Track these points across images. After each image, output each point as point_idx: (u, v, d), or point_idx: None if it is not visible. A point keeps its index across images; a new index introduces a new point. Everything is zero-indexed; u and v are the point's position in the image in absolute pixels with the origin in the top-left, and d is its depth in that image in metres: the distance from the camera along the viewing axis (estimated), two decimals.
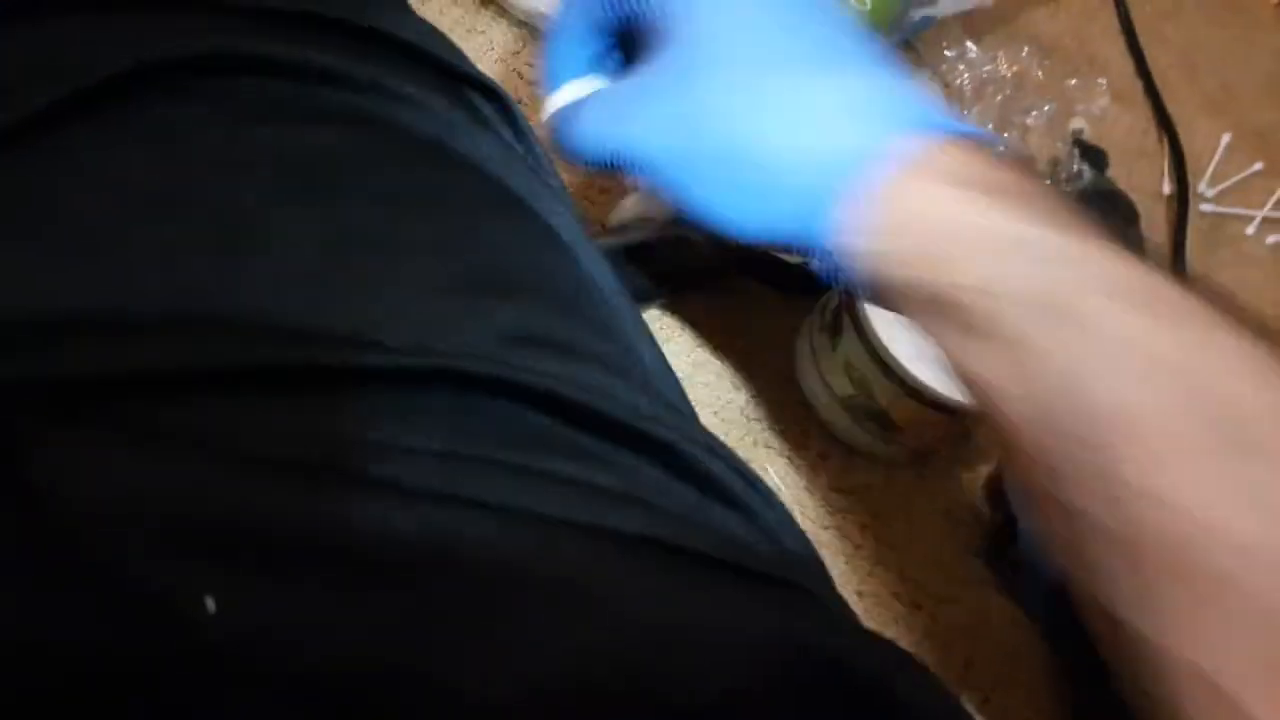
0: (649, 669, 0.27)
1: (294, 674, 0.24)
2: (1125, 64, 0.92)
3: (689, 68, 0.31)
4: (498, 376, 0.31)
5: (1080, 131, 0.79)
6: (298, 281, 0.31)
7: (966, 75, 0.77)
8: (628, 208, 0.60)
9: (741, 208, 0.32)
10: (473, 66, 0.40)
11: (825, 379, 0.58)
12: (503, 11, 0.66)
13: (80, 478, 0.25)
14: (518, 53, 0.65)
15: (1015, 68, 0.78)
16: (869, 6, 0.65)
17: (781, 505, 0.39)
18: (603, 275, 0.40)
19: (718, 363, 0.59)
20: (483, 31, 0.66)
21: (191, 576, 0.24)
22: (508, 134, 0.41)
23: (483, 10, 0.66)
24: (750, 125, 0.31)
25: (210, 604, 0.23)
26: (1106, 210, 0.73)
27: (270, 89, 0.34)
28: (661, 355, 0.43)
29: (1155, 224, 0.82)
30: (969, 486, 0.61)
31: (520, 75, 0.65)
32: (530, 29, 0.66)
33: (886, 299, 0.32)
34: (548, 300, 0.36)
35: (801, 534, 0.40)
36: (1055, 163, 0.76)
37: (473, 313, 0.33)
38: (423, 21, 0.40)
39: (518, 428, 0.31)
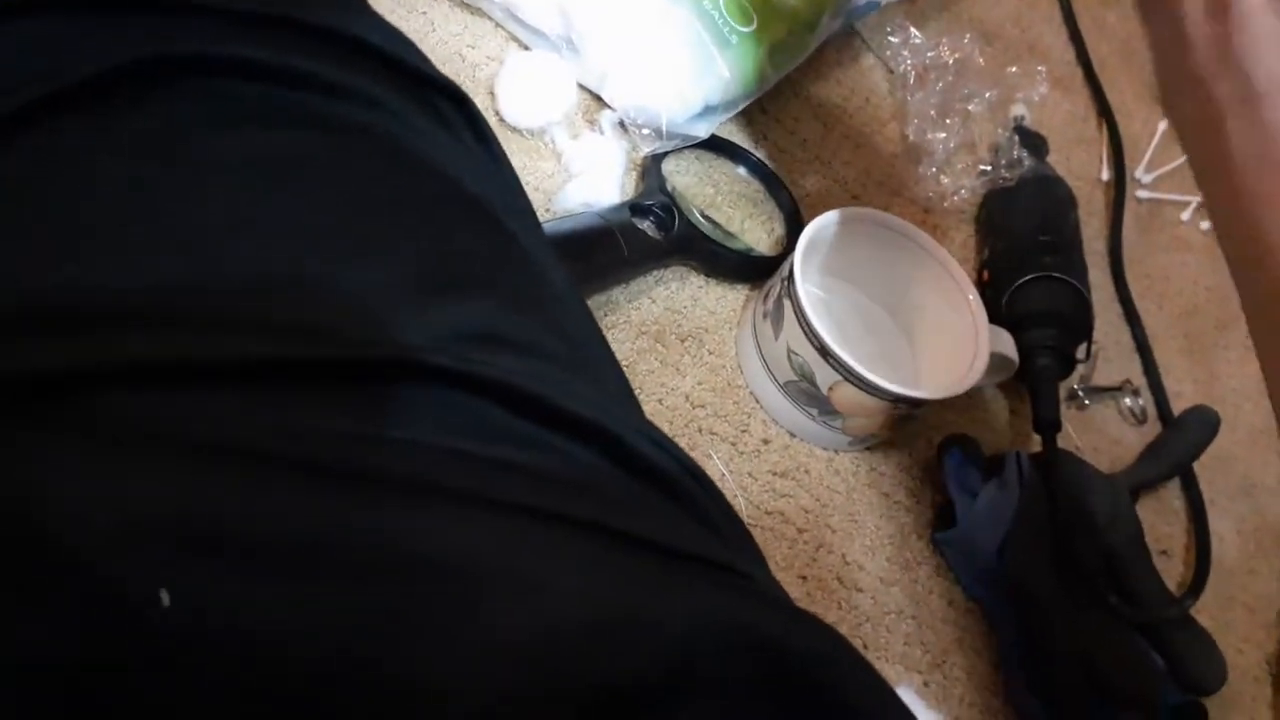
0: (597, 652, 0.28)
1: (250, 669, 0.24)
2: (1066, 51, 0.94)
3: None
4: (455, 369, 0.31)
5: (1021, 118, 0.80)
6: (262, 278, 0.31)
7: (910, 61, 0.77)
8: (571, 194, 0.60)
9: None
10: (436, 70, 0.41)
11: (767, 366, 0.58)
12: None
13: (39, 474, 0.25)
14: (459, 34, 0.65)
15: (958, 54, 0.78)
16: None
17: (720, 493, 0.41)
18: (555, 272, 0.41)
19: (661, 350, 0.59)
20: (424, 12, 0.65)
21: (147, 570, 0.24)
22: (469, 135, 0.42)
23: None
24: None
25: (165, 597, 0.23)
26: (1046, 195, 0.74)
27: (240, 91, 0.35)
28: (608, 347, 0.44)
29: (1094, 209, 0.83)
30: (909, 471, 0.62)
31: (462, 57, 0.64)
32: (471, 10, 0.65)
33: None
34: (504, 298, 0.37)
35: (740, 521, 0.41)
36: (996, 148, 0.77)
37: (432, 310, 0.34)
38: (388, 25, 0.41)
39: (474, 419, 0.32)
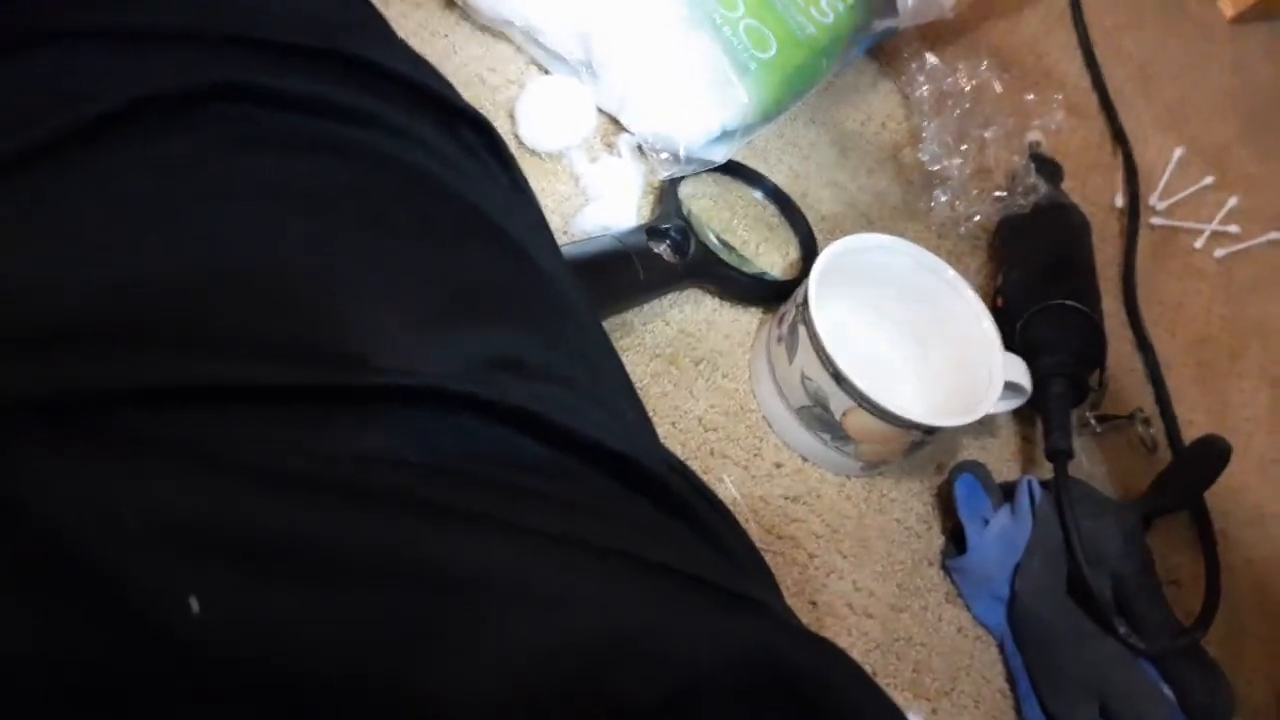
0: (611, 670, 0.28)
1: (271, 677, 0.25)
2: (1082, 78, 0.94)
3: None
4: (476, 395, 0.32)
5: (1037, 144, 0.80)
6: (288, 303, 0.32)
7: (926, 88, 0.78)
8: (589, 217, 0.61)
9: None
10: (460, 98, 0.42)
11: (781, 390, 0.58)
12: (466, 16, 0.66)
13: (64, 485, 0.25)
14: (480, 57, 0.65)
15: (974, 81, 0.79)
16: (831, 19, 0.66)
17: (734, 519, 0.41)
18: (576, 298, 0.42)
19: (675, 373, 0.59)
20: (446, 35, 0.65)
21: (176, 578, 0.24)
22: (492, 163, 0.43)
23: (447, 14, 0.66)
24: None
25: (194, 604, 0.24)
26: (1060, 222, 0.75)
27: (269, 119, 0.35)
28: (624, 371, 0.44)
29: (1108, 236, 0.83)
30: (921, 497, 0.62)
31: (483, 80, 0.65)
32: (493, 33, 0.66)
33: None
34: (525, 324, 0.38)
35: (752, 545, 0.42)
36: (1012, 175, 0.77)
37: (454, 336, 0.34)
38: (414, 52, 0.42)
39: (494, 445, 0.33)
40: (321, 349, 0.31)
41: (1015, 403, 0.63)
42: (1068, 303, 0.67)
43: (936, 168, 0.75)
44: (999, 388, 0.59)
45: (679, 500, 0.37)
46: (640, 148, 0.63)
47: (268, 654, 0.25)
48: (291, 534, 0.27)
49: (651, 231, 0.60)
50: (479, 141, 0.42)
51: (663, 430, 0.57)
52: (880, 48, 0.79)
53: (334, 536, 0.27)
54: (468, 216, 0.39)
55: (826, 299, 0.56)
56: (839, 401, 0.55)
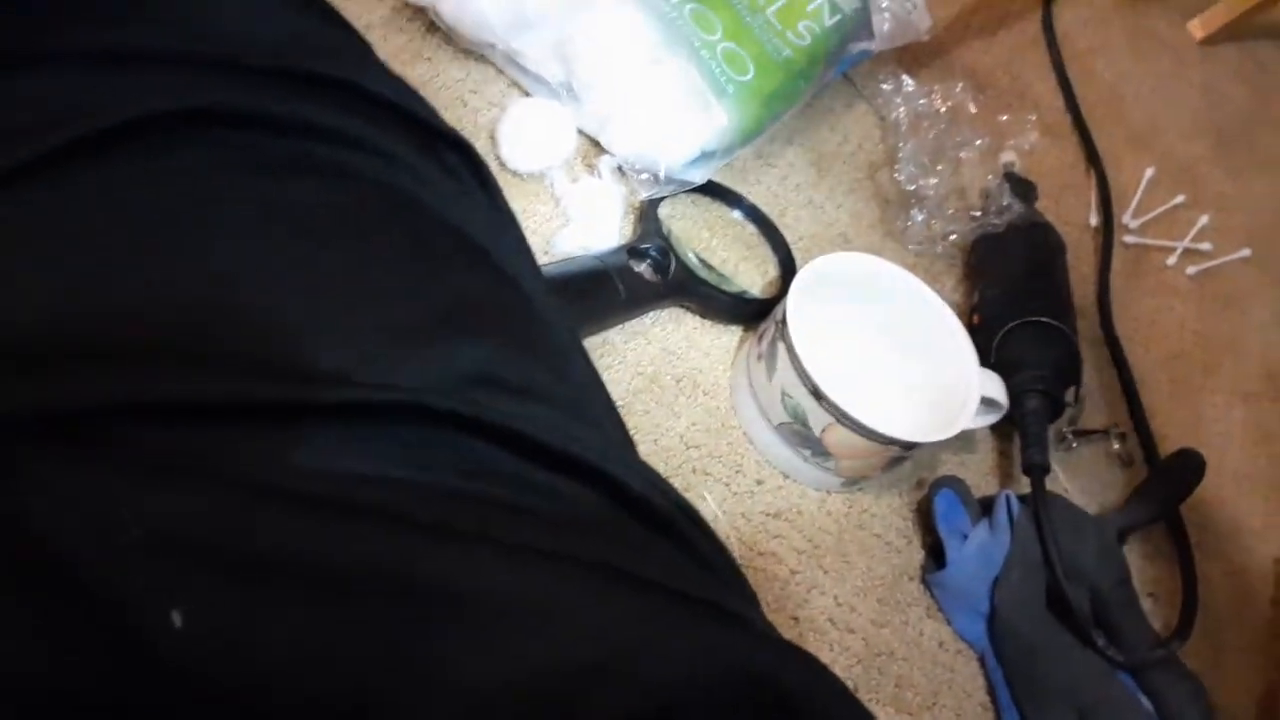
0: (593, 689, 0.28)
1: (252, 692, 0.25)
2: (1055, 100, 0.96)
3: None
4: (458, 412, 0.32)
5: (1011, 165, 0.81)
6: (273, 322, 0.33)
7: (903, 109, 0.79)
8: (570, 237, 0.61)
9: None
10: (442, 120, 0.42)
11: (761, 407, 0.59)
12: (448, 40, 0.67)
13: (62, 498, 0.25)
14: (462, 79, 0.66)
15: (949, 102, 0.80)
16: (808, 42, 0.67)
17: (714, 534, 0.42)
18: (557, 318, 0.42)
19: (656, 391, 0.60)
20: (428, 58, 0.66)
21: (166, 592, 0.25)
22: (474, 186, 0.44)
23: (429, 38, 0.67)
24: None
25: (177, 619, 0.24)
26: (1035, 241, 0.76)
27: (255, 141, 0.36)
28: (604, 389, 0.45)
29: (1082, 254, 0.85)
30: (900, 512, 0.63)
31: (464, 103, 0.65)
32: (474, 57, 0.67)
33: None
34: (505, 342, 0.38)
35: (733, 560, 0.42)
36: (987, 194, 0.79)
37: (436, 354, 0.35)
38: (397, 77, 0.43)
39: (478, 461, 0.33)
40: (303, 366, 0.32)
41: (992, 418, 0.64)
42: (1042, 319, 0.68)
43: (913, 187, 0.76)
44: (976, 404, 0.59)
45: (661, 516, 0.37)
46: (620, 169, 0.64)
47: (255, 670, 0.25)
48: (282, 550, 0.27)
49: (632, 251, 0.60)
50: (460, 163, 0.43)
51: (645, 447, 0.57)
52: (857, 70, 0.81)
53: (324, 553, 0.27)
54: (449, 237, 0.40)
55: (805, 317, 0.56)
56: (818, 418, 0.56)
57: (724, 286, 0.64)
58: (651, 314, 0.62)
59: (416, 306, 0.36)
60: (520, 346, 0.39)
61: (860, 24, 0.71)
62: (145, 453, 0.28)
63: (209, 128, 0.35)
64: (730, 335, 0.64)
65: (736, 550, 0.57)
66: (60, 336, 0.29)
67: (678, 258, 0.62)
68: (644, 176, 0.63)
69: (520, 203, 0.62)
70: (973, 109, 0.81)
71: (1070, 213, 0.87)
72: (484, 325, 0.38)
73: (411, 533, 0.29)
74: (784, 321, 0.56)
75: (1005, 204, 0.76)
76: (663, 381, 0.60)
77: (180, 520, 0.26)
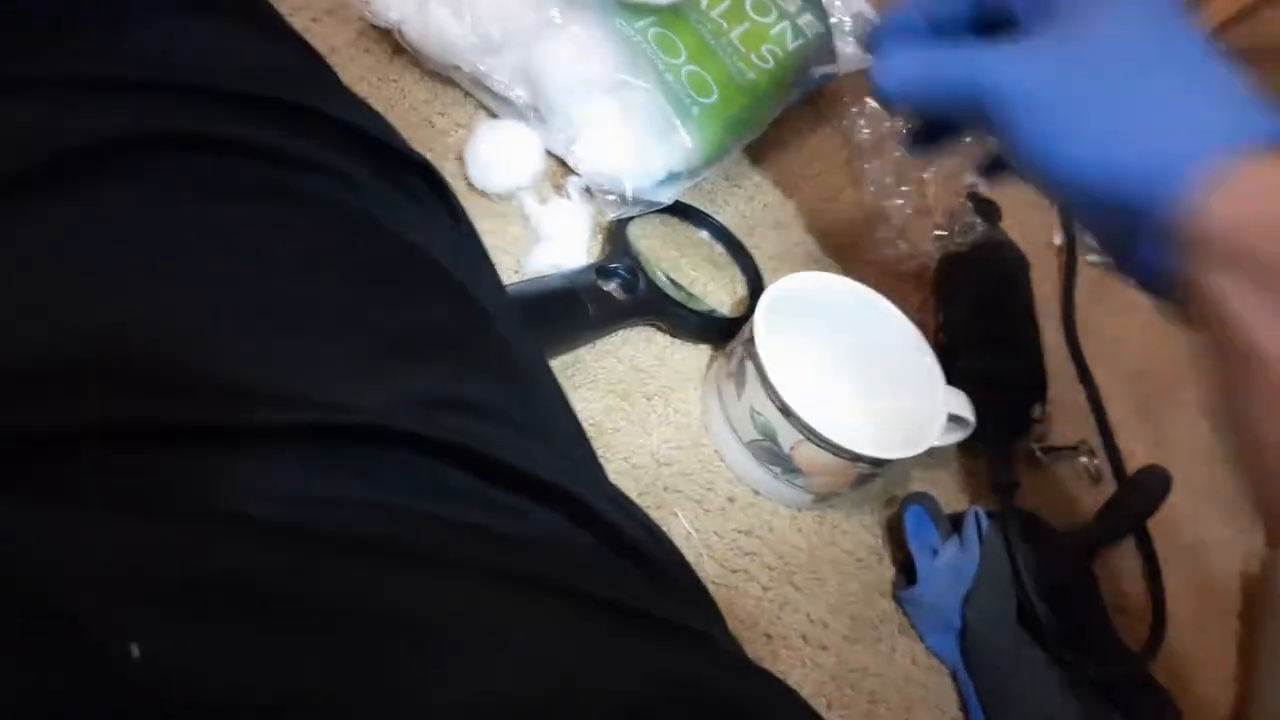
0: (552, 704, 0.28)
1: (213, 718, 0.24)
2: None
3: (1086, 28, 0.39)
4: (417, 433, 0.32)
5: (975, 185, 0.82)
6: (233, 346, 0.33)
7: (867, 130, 0.80)
8: (539, 257, 0.61)
9: (1090, 150, 0.38)
10: (406, 145, 0.43)
11: (731, 425, 0.59)
12: (414, 61, 0.67)
13: (20, 527, 0.25)
14: (429, 101, 0.66)
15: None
16: (771, 65, 0.68)
17: (679, 552, 0.42)
18: (521, 340, 0.43)
19: (627, 409, 0.59)
20: (394, 80, 0.66)
21: (123, 621, 0.24)
22: (438, 207, 0.44)
23: (395, 59, 0.67)
24: (1141, 84, 0.38)
25: (135, 650, 0.24)
26: (998, 260, 0.77)
27: (218, 166, 0.36)
28: (571, 410, 0.45)
29: (1047, 273, 0.86)
30: (871, 529, 0.63)
31: (431, 124, 0.65)
32: (441, 79, 0.67)
33: (1209, 274, 0.37)
34: (465, 364, 0.38)
35: (698, 579, 0.43)
36: (951, 214, 0.79)
37: (395, 376, 0.35)
38: (361, 102, 0.43)
39: (437, 482, 0.33)
40: (262, 390, 0.32)
41: (960, 435, 0.64)
42: (1008, 338, 0.69)
43: (878, 208, 0.77)
44: (943, 421, 0.60)
45: (624, 536, 0.37)
46: (588, 189, 0.64)
47: (213, 702, 0.25)
48: (238, 577, 0.26)
49: (601, 270, 0.60)
50: (424, 187, 0.43)
51: (617, 465, 0.57)
52: (821, 92, 0.82)
53: (282, 580, 0.27)
54: (411, 261, 0.40)
55: (773, 335, 0.56)
56: (787, 435, 0.56)
57: (692, 305, 0.64)
58: (622, 332, 0.62)
59: (375, 329, 0.36)
60: (480, 368, 0.39)
61: (823, 47, 0.72)
62: (113, 476, 0.28)
63: (169, 153, 0.35)
64: (701, 352, 0.64)
65: (708, 567, 0.56)
66: (20, 360, 0.29)
67: (646, 277, 0.62)
68: (611, 197, 0.63)
69: (491, 223, 0.62)
70: None
71: (1034, 232, 0.88)
72: (444, 347, 0.38)
73: (371, 558, 0.29)
74: (752, 340, 0.56)
75: (969, 223, 0.77)
76: (634, 399, 0.60)
77: (136, 552, 0.26)
